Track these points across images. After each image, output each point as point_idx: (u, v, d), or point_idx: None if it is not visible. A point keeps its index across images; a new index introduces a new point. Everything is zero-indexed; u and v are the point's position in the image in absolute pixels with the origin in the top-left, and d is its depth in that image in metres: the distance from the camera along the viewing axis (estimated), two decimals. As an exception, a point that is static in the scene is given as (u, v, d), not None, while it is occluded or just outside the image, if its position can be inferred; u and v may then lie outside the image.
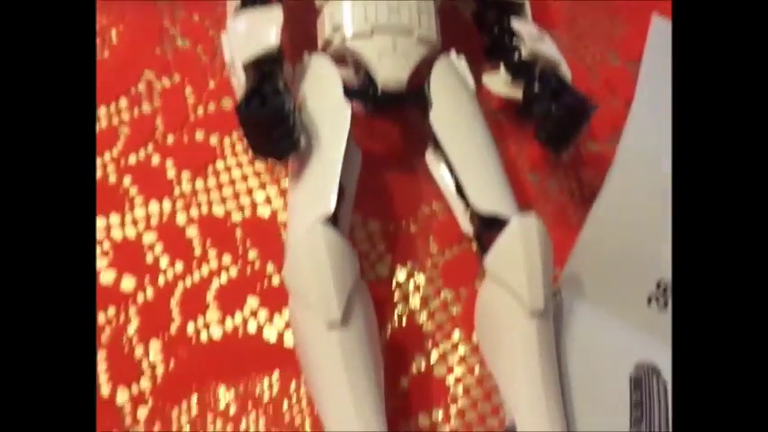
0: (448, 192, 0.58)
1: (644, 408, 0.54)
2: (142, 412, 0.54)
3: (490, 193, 0.53)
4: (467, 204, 0.55)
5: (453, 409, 0.55)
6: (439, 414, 0.55)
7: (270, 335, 0.57)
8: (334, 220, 0.50)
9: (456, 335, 0.58)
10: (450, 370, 0.56)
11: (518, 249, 0.49)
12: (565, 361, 0.54)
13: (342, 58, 0.59)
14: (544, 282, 0.50)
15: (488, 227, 0.54)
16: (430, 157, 0.60)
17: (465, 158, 0.55)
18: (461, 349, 0.57)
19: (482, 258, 0.53)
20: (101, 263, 0.58)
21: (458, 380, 0.56)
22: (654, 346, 0.55)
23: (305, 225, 0.49)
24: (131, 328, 0.56)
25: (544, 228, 0.51)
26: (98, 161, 0.62)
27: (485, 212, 0.53)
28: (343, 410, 0.46)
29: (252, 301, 0.58)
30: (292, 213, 0.54)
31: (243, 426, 0.54)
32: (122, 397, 0.54)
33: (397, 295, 0.59)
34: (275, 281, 0.58)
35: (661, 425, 0.53)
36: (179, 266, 0.59)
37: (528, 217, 0.51)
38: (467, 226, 0.58)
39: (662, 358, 0.54)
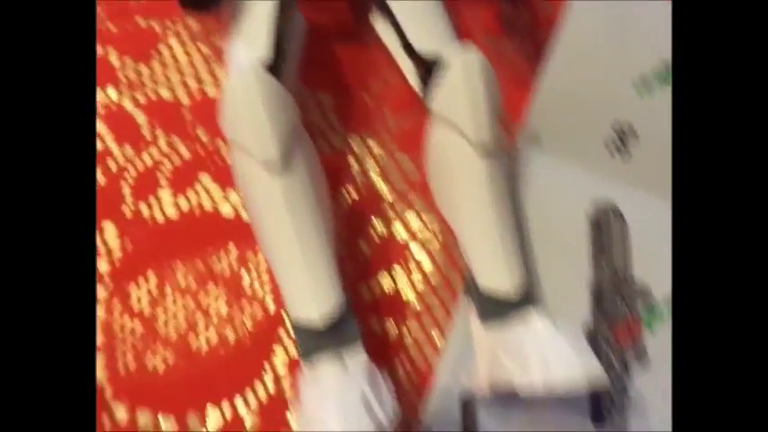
0: (395, 49, 0.56)
1: (604, 245, 0.54)
2: (101, 293, 0.54)
3: (431, 34, 0.52)
4: (414, 58, 0.54)
5: (414, 269, 0.55)
6: (400, 274, 0.55)
7: (226, 210, 0.57)
8: (274, 74, 0.49)
9: (416, 202, 0.57)
10: (413, 235, 0.56)
11: (459, 85, 0.48)
12: (524, 209, 0.54)
13: None
14: (489, 115, 0.48)
15: (433, 73, 0.52)
16: (375, 17, 0.58)
17: (406, 7, 0.53)
18: (421, 215, 0.57)
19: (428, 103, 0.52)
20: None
21: (417, 241, 0.56)
22: (612, 186, 0.55)
23: (239, 70, 0.48)
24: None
25: (486, 62, 0.49)
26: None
27: (426, 54, 0.51)
28: (290, 256, 0.46)
29: (205, 179, 0.57)
30: (228, 65, 0.53)
31: (203, 300, 0.55)
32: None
33: (354, 166, 0.59)
34: (228, 158, 0.58)
35: (620, 262, 0.53)
36: (129, 151, 0.58)
37: (468, 53, 0.49)
38: (416, 82, 0.56)
39: (621, 198, 0.54)
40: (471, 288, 0.49)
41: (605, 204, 0.54)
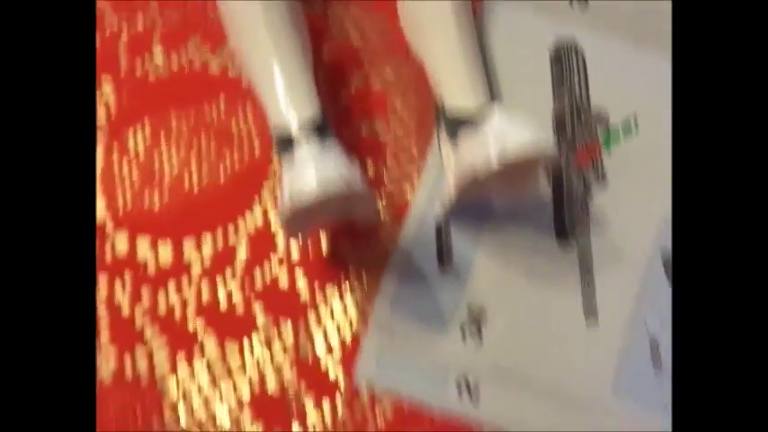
0: None
1: (563, 77, 0.58)
2: (101, 139, 0.58)
3: None
4: None
5: (391, 118, 0.59)
6: (376, 123, 0.59)
7: (214, 68, 0.61)
8: None
9: (393, 56, 0.60)
10: (389, 86, 0.59)
11: None
12: (491, 49, 0.58)
13: None
14: None
15: None
16: None
17: None
18: (397, 68, 0.60)
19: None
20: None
21: (392, 88, 0.59)
22: (574, 26, 0.58)
23: None
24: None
25: None
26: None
27: None
28: (271, 69, 0.50)
29: (195, 40, 0.61)
30: None
31: (195, 145, 0.59)
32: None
33: (333, 28, 0.62)
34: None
35: (579, 91, 0.57)
36: (124, 14, 0.62)
37: None
38: None
39: (582, 36, 0.58)
40: (441, 113, 0.53)
41: (565, 40, 0.58)
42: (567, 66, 0.57)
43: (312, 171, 0.44)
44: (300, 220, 0.47)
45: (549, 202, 0.55)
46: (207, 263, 0.56)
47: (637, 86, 0.57)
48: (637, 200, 0.55)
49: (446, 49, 0.53)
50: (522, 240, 0.55)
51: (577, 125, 0.56)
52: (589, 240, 0.55)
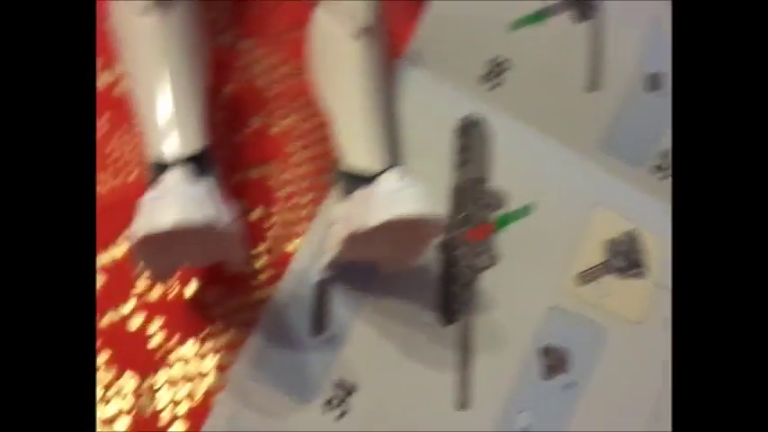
0: None
1: (467, 152, 0.56)
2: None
3: None
4: None
5: (289, 163, 0.55)
6: (270, 168, 0.55)
7: (101, 83, 0.56)
8: None
9: (294, 103, 0.57)
10: (286, 127, 0.56)
11: None
12: (398, 114, 0.56)
13: None
14: None
15: None
16: None
17: None
18: (299, 114, 0.57)
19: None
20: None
21: (292, 134, 0.56)
22: (483, 106, 0.57)
23: None
24: None
25: None
26: None
27: None
28: (160, 93, 0.46)
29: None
30: None
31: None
32: None
33: (239, 61, 0.58)
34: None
35: (482, 169, 0.56)
36: None
37: None
38: None
39: (490, 115, 0.57)
40: (339, 168, 0.51)
41: (472, 117, 0.57)
42: (469, 141, 0.56)
43: (174, 199, 0.39)
44: (154, 251, 0.42)
45: (437, 278, 0.53)
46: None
47: (541, 174, 0.56)
48: (525, 285, 0.54)
49: (349, 97, 0.50)
50: (403, 314, 0.52)
51: (474, 203, 0.55)
52: (472, 323, 0.53)
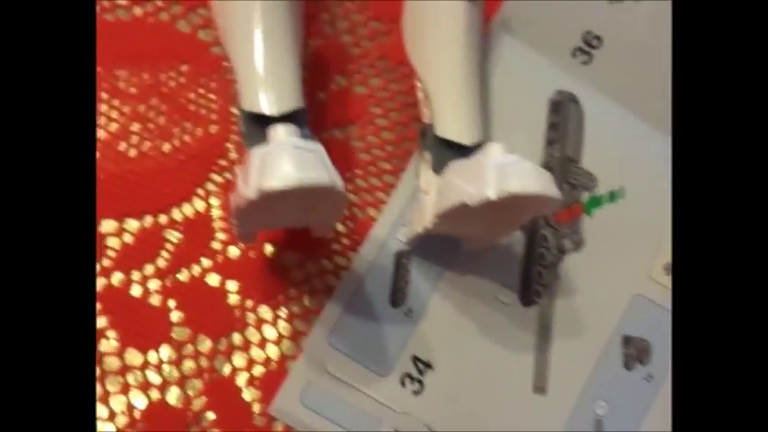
0: None
1: (559, 130, 0.54)
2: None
3: None
4: None
5: (370, 128, 0.53)
6: (354, 129, 0.53)
7: (183, 26, 0.53)
8: None
9: (381, 62, 0.55)
10: (371, 88, 0.54)
11: None
12: (488, 83, 0.53)
13: None
14: None
15: None
16: None
17: None
18: (385, 75, 0.54)
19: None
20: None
21: (378, 96, 0.54)
22: (575, 82, 0.54)
23: None
24: None
25: None
26: None
27: None
28: (258, 53, 0.43)
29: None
30: None
31: (142, 110, 0.51)
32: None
33: (323, 19, 0.56)
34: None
35: (572, 149, 0.53)
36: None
37: None
38: None
39: (582, 92, 0.54)
40: (428, 138, 0.48)
41: (567, 94, 0.54)
42: (564, 118, 0.53)
43: (292, 156, 0.36)
44: (257, 213, 0.39)
45: (520, 257, 0.51)
46: (123, 253, 0.48)
47: (632, 158, 0.53)
48: (611, 273, 0.52)
49: (448, 73, 0.47)
50: (482, 293, 0.51)
51: (564, 183, 0.53)
52: (553, 306, 0.52)
